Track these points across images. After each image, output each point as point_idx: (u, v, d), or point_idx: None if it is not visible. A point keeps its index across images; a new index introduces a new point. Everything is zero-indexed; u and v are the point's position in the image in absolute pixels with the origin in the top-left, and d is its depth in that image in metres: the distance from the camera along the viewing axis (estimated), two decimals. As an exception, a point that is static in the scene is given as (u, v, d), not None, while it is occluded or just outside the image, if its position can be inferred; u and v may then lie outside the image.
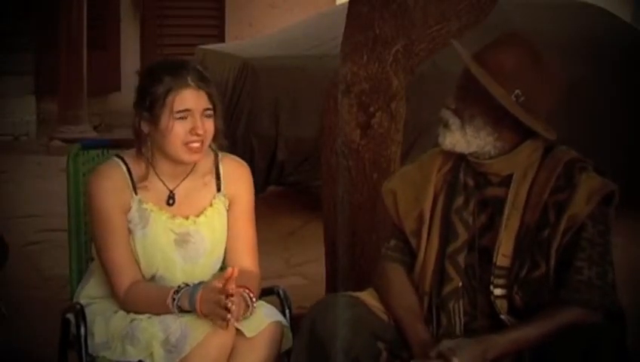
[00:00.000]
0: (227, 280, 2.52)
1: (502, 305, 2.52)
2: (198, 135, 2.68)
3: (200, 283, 2.64)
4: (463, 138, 2.54)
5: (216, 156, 2.83)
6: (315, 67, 5.92)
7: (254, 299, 2.65)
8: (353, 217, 3.52)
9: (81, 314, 2.72)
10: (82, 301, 2.81)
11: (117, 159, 2.78)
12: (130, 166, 2.76)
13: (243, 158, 2.94)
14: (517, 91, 2.49)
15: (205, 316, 2.55)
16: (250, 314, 2.63)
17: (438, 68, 5.28)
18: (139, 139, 2.73)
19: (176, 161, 2.74)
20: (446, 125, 2.56)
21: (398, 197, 2.72)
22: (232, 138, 5.76)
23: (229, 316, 2.50)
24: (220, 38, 11.29)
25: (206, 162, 2.82)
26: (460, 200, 2.61)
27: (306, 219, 6.15)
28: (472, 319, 2.57)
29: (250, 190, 2.87)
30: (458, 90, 2.57)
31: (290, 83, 6.06)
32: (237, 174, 2.86)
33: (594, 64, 6.44)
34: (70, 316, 2.81)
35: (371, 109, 3.48)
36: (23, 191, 7.14)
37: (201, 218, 2.79)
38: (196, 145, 2.69)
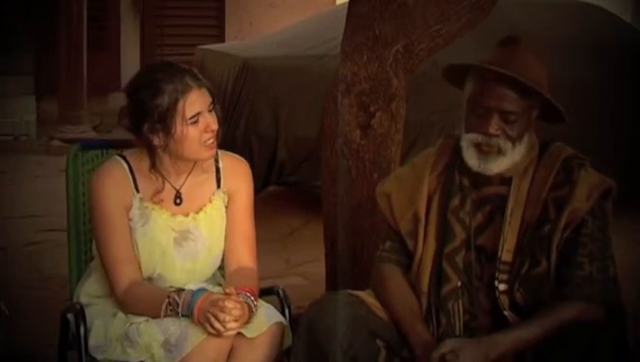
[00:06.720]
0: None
1: (505, 301, 2.53)
2: (212, 131, 2.70)
3: (200, 289, 2.63)
4: (511, 159, 2.52)
5: (215, 152, 2.83)
6: (315, 67, 5.91)
7: (256, 302, 2.65)
8: (353, 217, 3.52)
9: (80, 314, 2.72)
10: (82, 300, 2.81)
11: (118, 158, 2.79)
12: (132, 164, 2.76)
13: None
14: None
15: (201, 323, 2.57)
16: (252, 314, 2.63)
17: (438, 68, 5.26)
18: (153, 154, 2.71)
19: (194, 161, 2.75)
20: (500, 151, 2.52)
21: (393, 199, 2.73)
22: (232, 138, 5.82)
23: (221, 328, 2.52)
24: (220, 38, 11.29)
25: None
26: (456, 201, 2.61)
27: (306, 219, 6.15)
28: (472, 318, 2.57)
29: (249, 186, 2.87)
30: (499, 114, 2.50)
31: (290, 83, 6.05)
32: (236, 170, 2.86)
33: (594, 64, 6.43)
34: (70, 316, 2.81)
35: (371, 109, 3.48)
36: (23, 191, 7.14)
37: (201, 214, 2.79)
38: (211, 140, 2.71)
